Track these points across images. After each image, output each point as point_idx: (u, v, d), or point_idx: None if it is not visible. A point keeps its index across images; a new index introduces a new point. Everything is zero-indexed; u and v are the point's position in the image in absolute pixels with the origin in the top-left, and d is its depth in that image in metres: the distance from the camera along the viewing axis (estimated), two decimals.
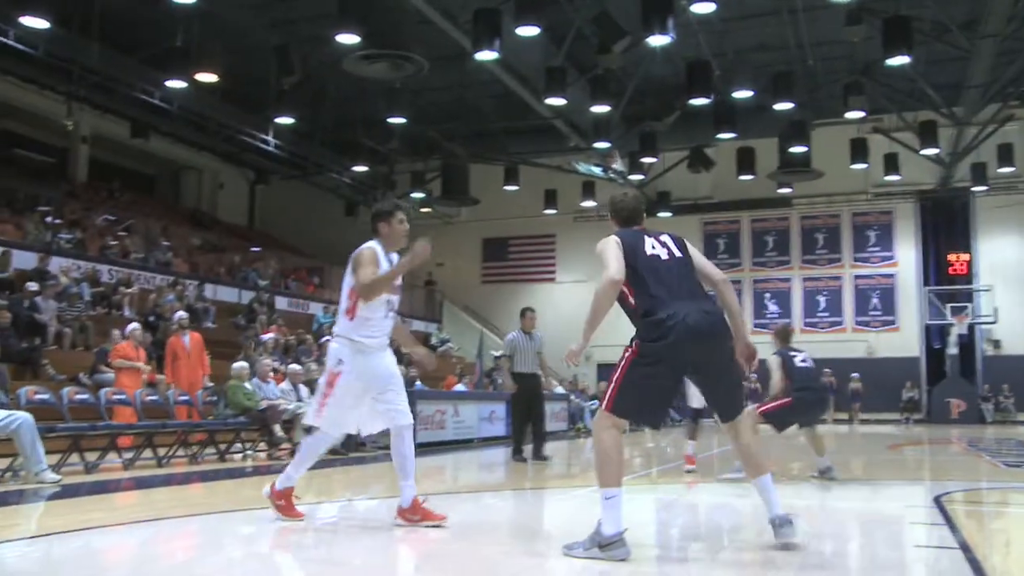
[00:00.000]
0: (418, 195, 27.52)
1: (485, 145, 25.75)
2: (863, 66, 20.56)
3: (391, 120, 21.17)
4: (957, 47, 18.72)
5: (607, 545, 4.44)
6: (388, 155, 26.05)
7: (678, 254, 4.87)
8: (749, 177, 24.87)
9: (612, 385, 4.66)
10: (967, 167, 25.08)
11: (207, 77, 17.81)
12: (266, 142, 24.82)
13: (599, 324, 4.69)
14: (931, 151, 23.07)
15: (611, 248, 4.74)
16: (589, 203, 28.11)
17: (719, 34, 18.94)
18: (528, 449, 11.82)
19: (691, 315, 4.54)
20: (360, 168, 26.14)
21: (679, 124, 22.10)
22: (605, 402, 4.69)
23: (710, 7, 14.90)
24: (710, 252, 29.37)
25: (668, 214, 27.99)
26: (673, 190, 27.95)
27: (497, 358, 12.59)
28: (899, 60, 16.39)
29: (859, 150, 23.95)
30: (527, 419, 11.94)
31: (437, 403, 15.55)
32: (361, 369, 5.57)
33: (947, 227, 28.11)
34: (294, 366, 14.10)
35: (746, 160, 24.46)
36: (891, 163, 24.85)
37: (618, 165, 25.10)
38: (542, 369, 11.94)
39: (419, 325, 28.58)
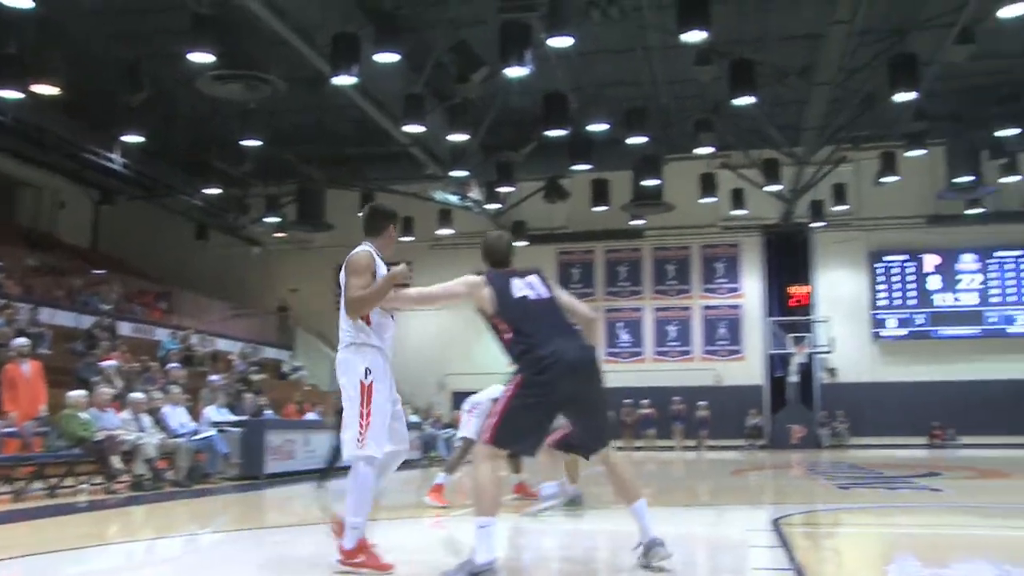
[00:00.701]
0: (273, 219, 26.93)
1: (342, 170, 25.43)
2: (713, 104, 21.36)
3: (245, 142, 20.66)
4: (796, 91, 19.71)
5: (478, 573, 4.57)
6: (242, 178, 25.40)
7: (545, 294, 5.16)
8: (603, 208, 25.42)
9: (495, 418, 4.83)
10: (807, 204, 26.36)
11: (46, 89, 16.94)
12: (112, 160, 23.78)
13: (379, 303, 5.17)
14: (774, 188, 24.12)
15: (461, 281, 5.12)
16: (446, 231, 28.14)
17: (576, 68, 19.33)
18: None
19: (569, 352, 4.85)
20: (212, 190, 25.34)
21: (536, 155, 22.40)
22: (487, 434, 4.85)
23: (567, 42, 15.17)
24: (564, 281, 29.81)
25: (524, 243, 28.26)
26: (529, 220, 28.29)
27: None
28: (745, 100, 17.15)
29: (708, 185, 24.83)
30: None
31: (287, 432, 15.18)
32: (387, 376, 5.21)
33: (789, 261, 29.41)
34: (136, 394, 13.47)
35: (600, 192, 25.00)
36: (738, 198, 25.87)
37: (475, 194, 25.24)
38: None
39: (271, 352, 27.88)
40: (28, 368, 12.25)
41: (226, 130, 21.44)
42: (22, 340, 13.10)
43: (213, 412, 14.57)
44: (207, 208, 27.52)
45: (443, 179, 24.06)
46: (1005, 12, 13.61)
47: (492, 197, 25.16)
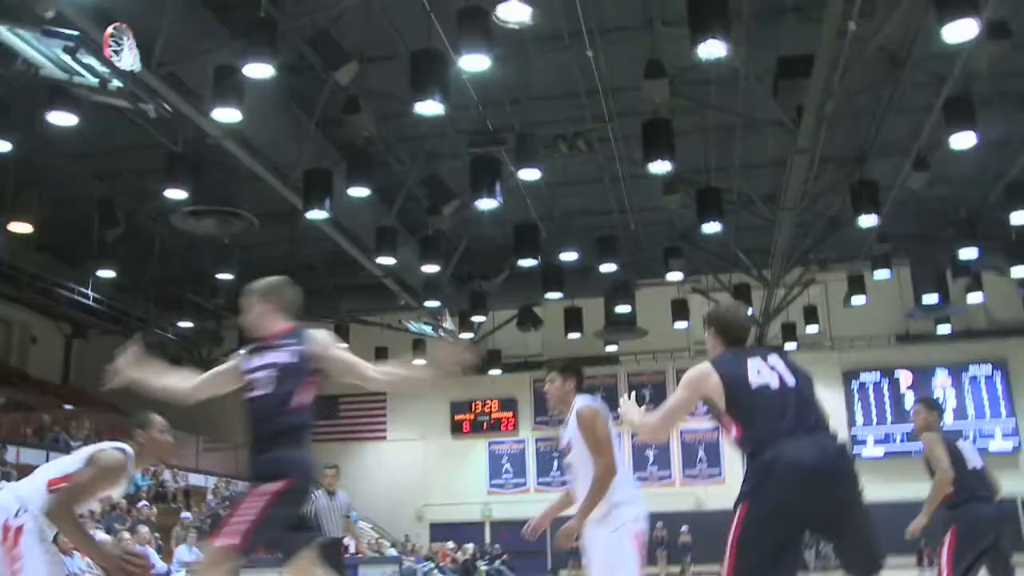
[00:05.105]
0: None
1: (315, 302, 25.43)
2: (681, 231, 21.73)
3: (219, 276, 20.74)
4: (762, 217, 20.12)
5: None
6: (215, 310, 25.38)
7: (791, 381, 4.52)
8: (577, 336, 25.48)
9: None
10: (779, 326, 26.57)
11: (22, 228, 17.07)
12: (85, 295, 23.74)
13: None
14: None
15: (691, 382, 4.29)
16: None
17: (546, 198, 19.70)
18: None
19: (806, 454, 4.13)
20: (186, 324, 25.30)
21: (508, 284, 22.58)
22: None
23: (535, 174, 15.52)
24: (540, 410, 29.64)
25: (498, 372, 28.21)
26: (503, 348, 28.29)
27: None
28: (712, 227, 17.44)
29: (680, 310, 25.00)
30: None
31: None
32: None
33: None
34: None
35: (573, 319, 25.10)
36: None
37: (448, 323, 25.30)
38: (352, 534, 11.54)
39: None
40: None
41: (200, 264, 21.54)
42: None
43: (184, 551, 14.19)
44: (180, 341, 27.41)
45: (416, 309, 24.14)
46: (955, 143, 14.08)
47: (466, 326, 25.25)
